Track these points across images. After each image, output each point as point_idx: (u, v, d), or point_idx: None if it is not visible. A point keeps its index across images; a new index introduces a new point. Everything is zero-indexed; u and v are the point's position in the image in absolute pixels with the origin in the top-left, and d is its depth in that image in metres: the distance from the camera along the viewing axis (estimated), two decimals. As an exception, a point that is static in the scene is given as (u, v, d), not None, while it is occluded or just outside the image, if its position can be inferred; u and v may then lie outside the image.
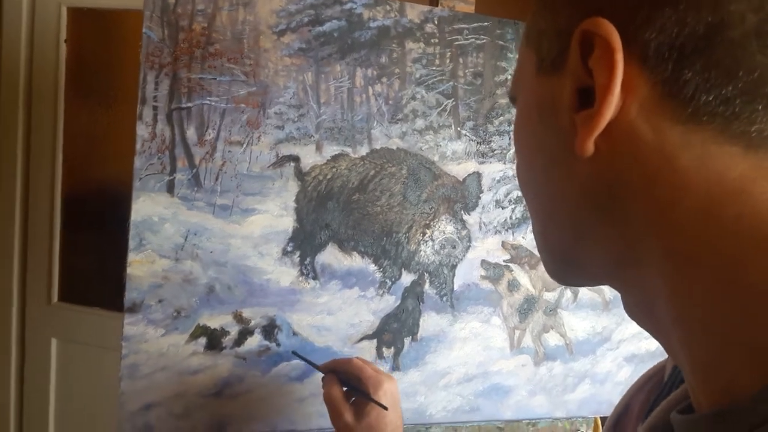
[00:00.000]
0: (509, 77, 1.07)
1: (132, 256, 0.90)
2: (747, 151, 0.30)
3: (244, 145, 0.94)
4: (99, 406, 2.06)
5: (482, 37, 1.05)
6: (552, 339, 1.09)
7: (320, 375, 0.96)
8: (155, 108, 0.91)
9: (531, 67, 0.38)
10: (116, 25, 2.05)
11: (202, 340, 0.92)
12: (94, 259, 2.21)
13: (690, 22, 0.30)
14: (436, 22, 1.03)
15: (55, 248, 2.12)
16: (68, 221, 2.12)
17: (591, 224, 0.36)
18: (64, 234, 2.12)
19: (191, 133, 0.92)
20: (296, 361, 0.96)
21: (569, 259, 0.40)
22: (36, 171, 2.11)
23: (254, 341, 0.95)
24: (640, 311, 0.38)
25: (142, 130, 0.90)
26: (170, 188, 0.91)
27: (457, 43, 1.04)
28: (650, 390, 0.49)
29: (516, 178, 1.06)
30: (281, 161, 0.96)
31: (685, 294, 0.32)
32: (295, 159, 0.96)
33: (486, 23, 1.05)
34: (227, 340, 0.94)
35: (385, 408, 0.82)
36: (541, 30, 0.37)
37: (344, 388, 0.86)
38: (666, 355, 0.45)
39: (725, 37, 0.29)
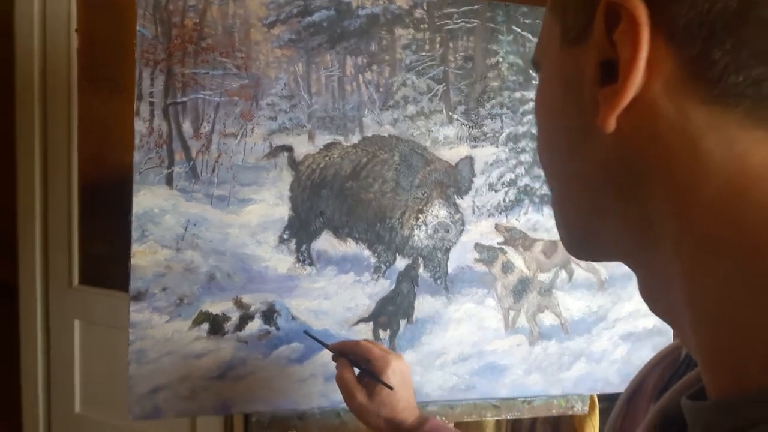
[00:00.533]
0: (500, 60, 1.08)
1: (135, 247, 0.94)
2: None
3: (239, 137, 0.97)
4: (122, 383, 2.13)
5: (472, 20, 1.05)
6: (547, 319, 1.11)
7: (319, 356, 1.00)
8: (152, 103, 0.94)
9: (555, 37, 0.37)
10: (125, 12, 2.07)
11: (205, 326, 0.96)
12: (112, 243, 2.27)
13: None
14: (425, 8, 1.04)
15: (74, 232, 2.18)
16: (85, 206, 2.17)
17: (610, 201, 0.35)
18: (82, 218, 2.18)
19: (187, 127, 0.95)
20: (296, 344, 1.00)
21: (586, 235, 0.39)
22: (53, 158, 2.16)
23: (255, 326, 0.98)
24: (653, 292, 0.37)
25: (139, 126, 0.93)
26: (169, 181, 0.95)
27: (446, 27, 1.05)
28: (664, 368, 0.49)
29: (508, 161, 1.08)
30: (275, 152, 0.98)
31: (701, 277, 0.31)
32: (289, 149, 0.99)
33: (476, 6, 1.05)
34: (229, 325, 0.97)
35: (390, 387, 0.85)
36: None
37: (356, 370, 0.89)
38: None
39: (760, 14, 0.28)
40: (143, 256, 0.94)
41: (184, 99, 0.95)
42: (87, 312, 2.17)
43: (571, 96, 0.36)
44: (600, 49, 0.32)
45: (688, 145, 0.31)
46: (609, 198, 0.35)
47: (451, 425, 1.18)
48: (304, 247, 1.00)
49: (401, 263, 1.05)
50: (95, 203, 2.15)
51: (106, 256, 2.21)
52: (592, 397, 1.15)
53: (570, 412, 1.14)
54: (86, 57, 2.11)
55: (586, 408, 1.14)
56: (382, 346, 0.90)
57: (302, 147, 1.00)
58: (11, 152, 2.20)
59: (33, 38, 2.10)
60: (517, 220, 1.09)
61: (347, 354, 0.90)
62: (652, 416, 0.42)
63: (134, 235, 0.93)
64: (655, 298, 0.37)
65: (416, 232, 1.05)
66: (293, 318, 1.00)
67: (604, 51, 0.32)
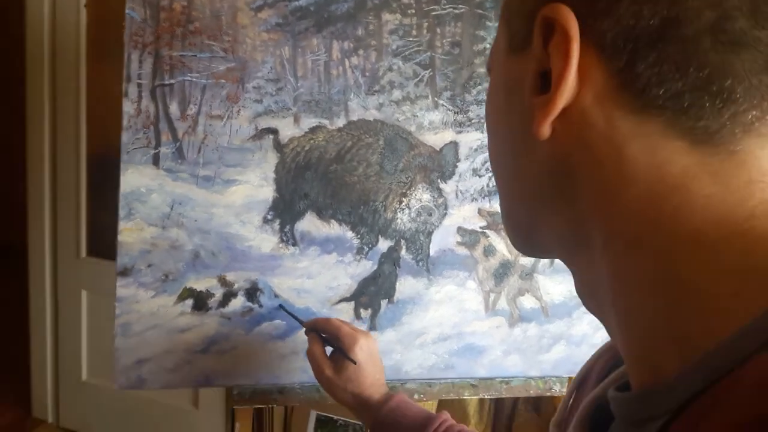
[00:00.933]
0: (488, 46, 1.08)
1: (122, 225, 0.97)
2: (692, 146, 0.31)
3: (225, 119, 0.99)
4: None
5: (460, 6, 1.06)
6: (527, 302, 1.13)
7: (301, 334, 1.03)
8: (140, 85, 0.96)
9: (503, 44, 0.39)
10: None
11: (189, 302, 1.00)
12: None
13: (646, 15, 0.30)
14: (412, -6, 1.04)
15: (82, 205, 2.22)
16: (93, 179, 2.21)
17: (547, 204, 0.37)
18: (90, 191, 2.22)
19: (174, 109, 0.97)
20: (278, 321, 1.03)
21: (528, 232, 0.42)
22: (62, 132, 2.20)
23: (238, 303, 1.02)
24: (586, 291, 0.39)
25: (127, 107, 0.96)
26: (156, 161, 0.97)
27: (434, 13, 1.05)
28: (609, 358, 0.51)
29: (491, 148, 1.09)
30: (260, 134, 1.00)
31: (623, 279, 0.33)
32: (274, 131, 1.01)
33: (464, -7, 1.06)
34: (212, 302, 1.01)
35: (354, 362, 0.88)
36: (513, 7, 0.38)
37: (326, 346, 0.93)
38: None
39: (679, 32, 0.30)
40: (130, 233, 0.97)
41: (172, 81, 0.97)
42: (94, 283, 2.23)
43: (514, 101, 0.38)
44: (538, 60, 0.34)
45: (614, 152, 0.32)
46: (547, 199, 0.37)
47: (433, 403, 1.21)
48: (287, 227, 1.03)
49: (384, 245, 1.07)
50: (103, 175, 2.19)
51: (113, 228, 2.25)
52: (570, 379, 1.18)
53: (548, 393, 1.17)
54: (95, 32, 2.13)
55: (564, 389, 1.17)
56: (351, 325, 0.93)
57: (287, 130, 1.02)
58: (22, 125, 2.24)
59: (43, 13, 2.13)
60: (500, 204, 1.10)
61: (319, 330, 0.93)
62: (586, 404, 0.45)
63: (121, 212, 0.96)
64: (587, 295, 0.39)
65: (399, 215, 1.07)
66: (276, 296, 1.03)
67: (541, 61, 0.34)
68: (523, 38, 0.36)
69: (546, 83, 0.34)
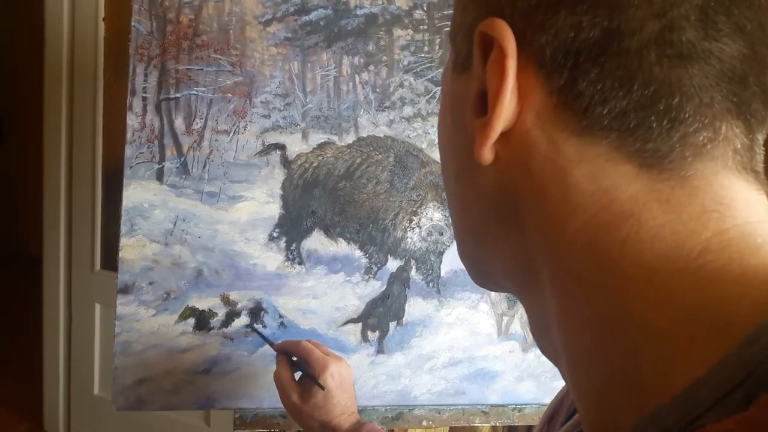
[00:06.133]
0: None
1: (124, 241, 0.95)
2: (640, 170, 0.28)
3: (231, 134, 0.97)
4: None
5: (474, 21, 1.03)
6: (541, 326, 1.09)
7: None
8: (144, 99, 0.95)
9: (449, 63, 0.36)
10: (149, 2, 2.09)
11: (191, 321, 0.97)
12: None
13: (585, 27, 0.27)
14: (425, 8, 1.02)
15: (97, 218, 2.23)
16: (109, 192, 2.21)
17: (493, 235, 0.35)
18: (105, 205, 2.22)
19: (179, 123, 0.95)
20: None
21: (479, 262, 0.39)
22: (79, 145, 2.20)
23: (241, 323, 0.99)
24: (538, 331, 0.35)
25: (132, 120, 0.94)
26: (159, 176, 0.95)
27: (447, 29, 1.03)
28: None
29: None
30: (267, 149, 0.98)
31: (572, 319, 0.30)
32: (281, 147, 0.99)
33: (478, 7, 1.03)
34: (215, 321, 0.98)
35: (322, 388, 0.83)
36: (457, 24, 0.35)
37: (296, 371, 0.88)
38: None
39: (621, 45, 0.27)
40: (131, 250, 0.95)
41: (178, 95, 0.95)
42: (108, 296, 2.22)
43: (459, 123, 0.35)
44: (478, 79, 0.31)
45: (558, 178, 0.29)
46: (492, 230, 0.34)
47: (443, 431, 1.17)
48: (294, 245, 1.00)
49: (393, 265, 1.04)
50: (119, 189, 2.18)
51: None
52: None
53: (563, 423, 1.12)
54: (113, 45, 2.14)
55: (580, 419, 1.12)
56: (324, 349, 0.89)
57: (295, 146, 0.99)
58: (39, 137, 2.25)
59: (62, 26, 2.14)
60: (513, 225, 1.07)
61: (288, 353, 0.89)
62: None
63: (123, 228, 0.94)
64: (540, 336, 0.36)
65: (409, 234, 1.04)
66: (280, 316, 1.00)
67: (481, 81, 0.31)
68: (466, 56, 0.33)
69: (486, 104, 0.31)
